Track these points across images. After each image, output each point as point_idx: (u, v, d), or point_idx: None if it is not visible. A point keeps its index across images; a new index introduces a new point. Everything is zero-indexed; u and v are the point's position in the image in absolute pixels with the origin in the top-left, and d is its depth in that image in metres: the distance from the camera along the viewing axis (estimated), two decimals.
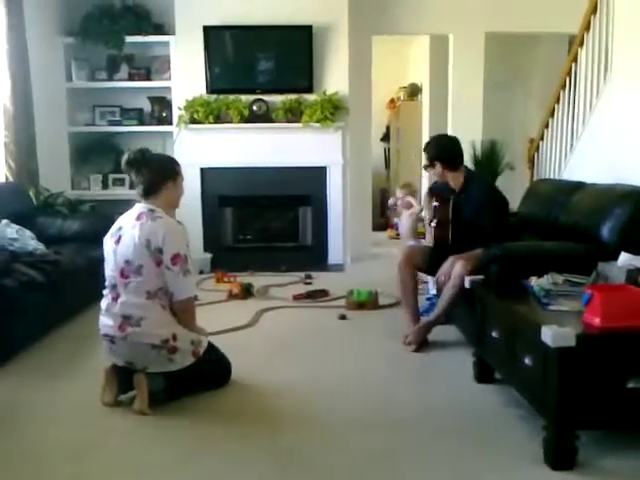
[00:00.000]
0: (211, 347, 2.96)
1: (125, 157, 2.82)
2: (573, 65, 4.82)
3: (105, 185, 6.10)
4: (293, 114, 5.78)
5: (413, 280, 3.74)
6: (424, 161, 3.75)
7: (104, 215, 5.15)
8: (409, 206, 4.88)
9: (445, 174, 3.65)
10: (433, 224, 3.60)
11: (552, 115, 5.25)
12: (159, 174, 2.83)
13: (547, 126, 5.37)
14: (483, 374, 3.04)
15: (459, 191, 3.64)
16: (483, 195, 3.56)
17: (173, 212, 2.98)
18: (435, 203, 3.61)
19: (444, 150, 3.67)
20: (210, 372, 2.95)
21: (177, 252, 2.71)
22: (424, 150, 3.75)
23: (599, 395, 2.23)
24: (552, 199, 3.96)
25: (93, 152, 6.10)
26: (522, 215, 4.04)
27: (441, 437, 2.51)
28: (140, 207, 2.82)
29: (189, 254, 2.80)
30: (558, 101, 5.11)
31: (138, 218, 2.78)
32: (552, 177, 5.09)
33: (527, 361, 2.39)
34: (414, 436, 2.53)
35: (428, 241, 3.79)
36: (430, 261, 3.65)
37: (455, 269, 3.33)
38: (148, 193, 2.82)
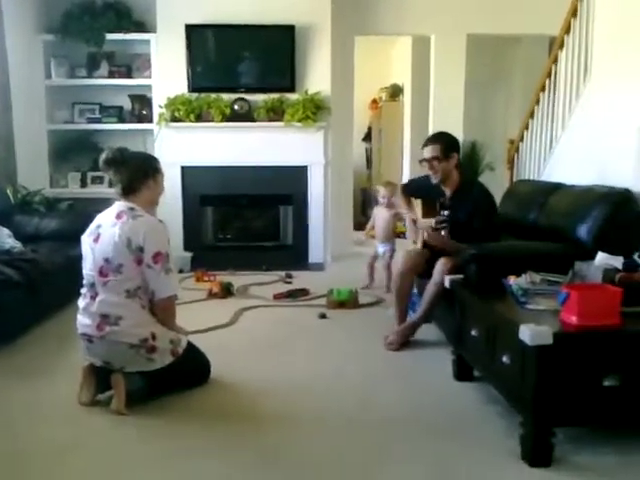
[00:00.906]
0: (190, 346, 2.94)
1: (103, 156, 2.78)
2: (553, 67, 4.87)
3: (84, 183, 6.04)
4: (275, 113, 5.76)
5: (411, 286, 3.73)
6: (433, 153, 3.50)
7: (82, 213, 5.09)
8: (392, 206, 4.90)
9: (453, 170, 3.53)
10: (433, 225, 3.54)
11: (532, 116, 5.30)
12: (139, 173, 2.79)
13: (527, 127, 5.42)
14: (462, 372, 3.06)
15: (453, 193, 3.58)
16: (480, 199, 3.52)
17: (154, 210, 2.94)
18: (444, 212, 3.48)
19: (458, 144, 3.59)
20: (189, 371, 2.93)
21: (158, 250, 2.68)
22: (433, 143, 3.55)
23: (576, 393, 2.25)
24: (531, 200, 4.00)
25: (72, 150, 6.04)
26: (501, 215, 4.07)
27: (420, 434, 2.53)
28: (120, 205, 2.78)
29: (170, 252, 2.75)
30: (538, 103, 5.17)
31: (118, 217, 2.73)
32: (531, 178, 5.14)
33: (505, 359, 2.41)
34: (394, 433, 2.54)
35: (413, 241, 3.76)
36: (430, 266, 3.56)
37: (437, 266, 3.35)
38: (127, 192, 2.78)
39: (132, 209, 2.74)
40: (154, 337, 2.73)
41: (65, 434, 2.54)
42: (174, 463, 2.31)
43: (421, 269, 3.63)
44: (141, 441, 2.49)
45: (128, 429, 2.58)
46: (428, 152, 3.54)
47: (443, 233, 3.34)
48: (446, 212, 3.37)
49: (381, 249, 4.93)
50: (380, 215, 4.99)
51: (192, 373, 2.96)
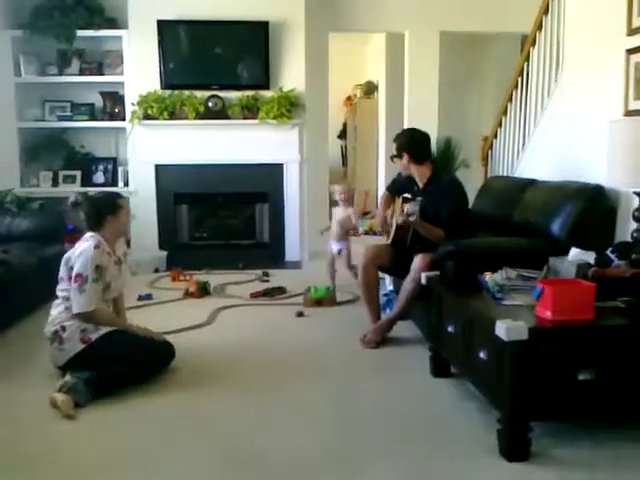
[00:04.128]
0: (136, 341, 3.05)
1: (68, 200, 3.19)
2: (525, 64, 4.91)
3: (55, 182, 5.94)
4: (249, 110, 5.73)
5: (376, 280, 3.77)
6: (394, 150, 3.74)
7: (54, 213, 5.03)
8: (348, 204, 4.87)
9: (409, 166, 3.67)
10: (398, 221, 3.57)
11: (505, 113, 5.34)
12: (98, 212, 3.13)
13: (500, 124, 5.47)
14: (439, 369, 3.08)
15: (424, 186, 3.66)
16: (449, 186, 3.61)
17: (120, 239, 3.31)
18: (405, 204, 3.51)
19: (412, 142, 3.69)
20: (135, 364, 2.97)
21: (80, 272, 2.98)
22: (394, 140, 3.77)
23: (552, 387, 2.27)
24: (505, 196, 4.03)
25: (43, 148, 5.93)
26: (476, 211, 4.10)
27: (397, 431, 2.53)
28: (86, 234, 3.14)
29: (94, 277, 2.98)
30: (511, 100, 5.21)
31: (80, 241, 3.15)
32: (505, 174, 5.19)
33: (482, 355, 2.43)
34: (371, 430, 2.54)
35: (388, 238, 3.77)
36: (393, 261, 3.65)
37: (413, 263, 3.37)
38: (92, 228, 3.13)
39: (92, 237, 3.09)
40: (64, 329, 2.99)
41: (35, 439, 2.50)
42: (147, 466, 2.29)
43: (383, 262, 3.70)
44: (112, 445, 2.46)
45: (101, 430, 2.56)
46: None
47: (412, 219, 3.38)
48: (418, 198, 3.45)
49: (336, 248, 4.85)
50: (336, 214, 4.93)
51: (137, 366, 2.98)
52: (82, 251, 3.01)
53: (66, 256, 3.09)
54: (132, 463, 2.32)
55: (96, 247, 3.01)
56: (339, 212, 4.92)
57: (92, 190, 6.00)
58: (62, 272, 3.08)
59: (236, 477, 2.24)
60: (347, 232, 4.88)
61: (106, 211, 3.13)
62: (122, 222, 3.20)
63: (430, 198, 3.55)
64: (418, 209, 3.34)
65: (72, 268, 3.01)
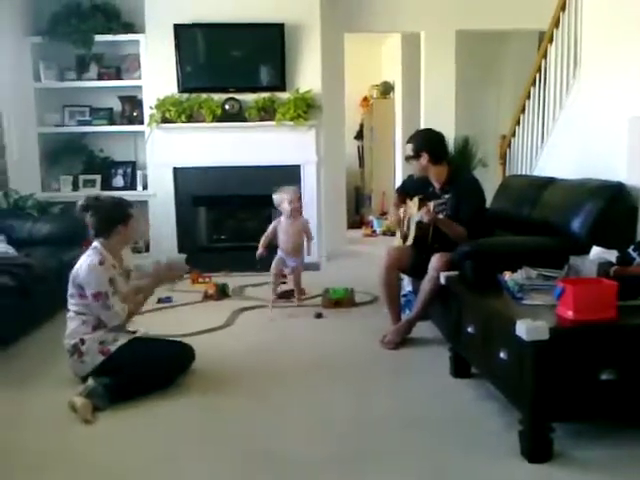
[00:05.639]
0: (153, 350, 3.05)
1: (78, 203, 3.11)
2: (543, 61, 4.87)
3: (75, 186, 6.01)
4: (266, 112, 5.74)
5: (398, 281, 3.76)
6: (408, 152, 3.69)
7: (75, 217, 5.07)
8: (298, 214, 4.56)
9: (429, 167, 3.64)
10: (416, 218, 3.53)
11: (523, 111, 5.30)
12: (108, 219, 3.07)
13: (518, 122, 5.42)
14: (459, 369, 3.06)
15: (441, 186, 3.65)
16: (466, 186, 3.59)
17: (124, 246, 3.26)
18: (430, 203, 3.44)
19: (431, 142, 3.67)
20: (151, 372, 2.97)
21: (98, 291, 2.96)
22: (408, 142, 3.72)
23: (573, 387, 2.25)
24: (524, 195, 3.99)
25: (63, 153, 6.00)
26: (495, 211, 4.07)
27: (418, 432, 2.52)
28: (93, 244, 3.10)
29: (112, 290, 2.98)
30: (529, 97, 5.17)
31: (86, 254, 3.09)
32: (524, 173, 5.14)
33: (502, 355, 2.41)
34: (392, 430, 2.54)
35: (409, 239, 3.75)
36: (414, 263, 3.63)
37: (431, 262, 3.36)
38: (99, 235, 3.08)
39: (94, 249, 3.05)
40: (83, 342, 2.99)
41: (51, 442, 2.52)
42: (161, 469, 2.31)
43: (405, 264, 3.68)
44: (128, 448, 2.48)
45: (116, 435, 2.58)
46: (406, 150, 3.75)
47: (440, 216, 3.35)
48: (446, 196, 3.38)
49: (292, 264, 4.59)
50: (284, 227, 4.52)
51: (158, 373, 2.99)
52: (89, 269, 2.96)
53: (73, 273, 3.04)
54: (148, 467, 2.33)
55: (101, 263, 2.97)
56: (288, 225, 4.49)
57: (107, 194, 6.11)
58: (71, 289, 3.04)
59: (253, 479, 2.24)
60: (300, 247, 4.54)
61: (117, 220, 3.07)
62: (131, 231, 3.16)
63: (450, 198, 3.53)
64: (448, 206, 3.29)
65: (80, 286, 2.98)
